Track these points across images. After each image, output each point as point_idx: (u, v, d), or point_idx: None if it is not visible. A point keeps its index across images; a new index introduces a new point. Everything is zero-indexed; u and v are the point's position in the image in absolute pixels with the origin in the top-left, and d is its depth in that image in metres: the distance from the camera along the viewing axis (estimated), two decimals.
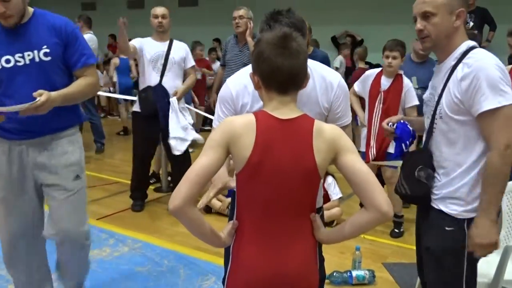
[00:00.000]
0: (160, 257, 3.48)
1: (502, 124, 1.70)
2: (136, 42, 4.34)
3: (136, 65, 6.02)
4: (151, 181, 5.02)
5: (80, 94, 2.36)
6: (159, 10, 4.36)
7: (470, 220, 1.82)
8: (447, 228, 1.85)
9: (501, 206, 2.58)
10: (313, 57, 2.01)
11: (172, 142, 4.31)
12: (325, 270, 2.29)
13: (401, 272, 3.30)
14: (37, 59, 2.24)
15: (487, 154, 1.76)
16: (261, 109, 1.53)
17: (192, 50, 6.86)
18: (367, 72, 4.04)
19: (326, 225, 2.32)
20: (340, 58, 7.90)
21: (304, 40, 1.80)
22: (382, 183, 3.79)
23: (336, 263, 3.29)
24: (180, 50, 4.46)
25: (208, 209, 4.43)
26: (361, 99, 4.04)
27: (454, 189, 1.84)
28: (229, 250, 1.59)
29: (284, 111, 1.48)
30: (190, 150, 4.65)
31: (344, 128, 1.97)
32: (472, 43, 1.86)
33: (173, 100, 4.37)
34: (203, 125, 8.19)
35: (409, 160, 2.02)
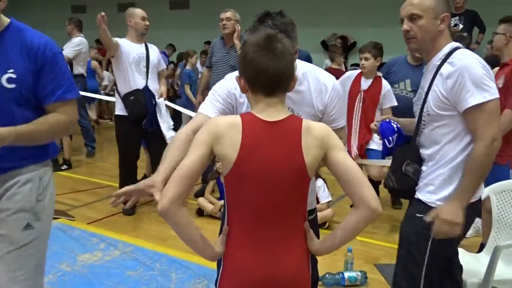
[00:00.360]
0: (151, 260, 3.46)
1: (488, 118, 1.79)
2: (120, 42, 4.32)
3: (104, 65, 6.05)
4: None
5: (42, 135, 1.85)
6: (144, 12, 4.38)
7: None
8: (417, 215, 1.95)
9: (491, 206, 2.62)
10: (298, 57, 2.00)
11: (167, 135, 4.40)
12: (318, 273, 2.29)
13: (393, 273, 3.30)
14: None
15: (473, 145, 1.84)
16: (248, 111, 1.52)
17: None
18: (347, 73, 4.25)
19: (318, 226, 2.33)
20: (327, 61, 7.95)
21: (293, 42, 1.79)
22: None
23: (328, 264, 3.29)
24: (155, 52, 4.53)
25: (200, 212, 4.42)
26: None
27: (432, 178, 1.94)
28: None
29: (271, 113, 1.48)
30: None
31: (338, 130, 1.98)
32: (456, 44, 1.95)
33: (160, 101, 4.40)
34: None
35: (398, 155, 2.10)
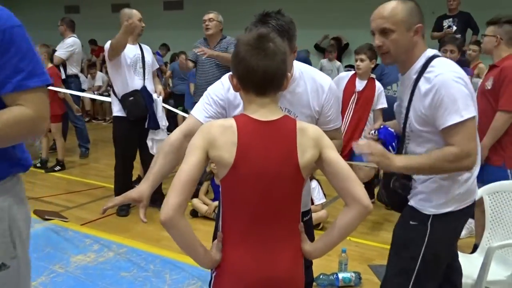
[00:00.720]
0: (145, 261, 3.45)
1: (466, 137, 1.75)
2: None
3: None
4: (136, 186, 4.97)
5: None
6: (140, 14, 4.38)
7: (435, 217, 1.89)
8: (411, 222, 1.93)
9: (484, 207, 2.62)
10: (296, 59, 2.00)
11: (149, 142, 4.43)
12: (313, 273, 2.29)
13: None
14: None
15: (452, 147, 1.77)
16: (241, 113, 1.52)
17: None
18: (340, 74, 4.31)
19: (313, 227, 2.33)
20: (323, 61, 7.99)
21: (294, 41, 1.83)
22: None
23: (322, 265, 3.29)
24: (149, 53, 4.55)
25: (194, 213, 4.41)
26: None
27: (423, 187, 1.91)
28: None
29: (265, 113, 1.48)
30: None
31: (335, 131, 2.00)
32: (430, 53, 1.88)
33: (159, 100, 4.43)
34: None
35: (386, 171, 2.07)
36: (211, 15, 4.62)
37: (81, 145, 6.80)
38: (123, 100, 4.33)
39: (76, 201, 4.90)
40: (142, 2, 10.11)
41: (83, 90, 8.82)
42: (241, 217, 1.49)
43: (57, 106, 5.85)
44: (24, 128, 1.42)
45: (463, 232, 3.37)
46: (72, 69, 6.46)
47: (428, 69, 1.81)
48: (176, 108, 6.59)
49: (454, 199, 1.89)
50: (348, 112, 4.01)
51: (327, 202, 4.37)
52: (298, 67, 1.93)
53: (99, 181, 5.55)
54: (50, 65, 5.83)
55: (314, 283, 3.02)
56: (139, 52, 4.40)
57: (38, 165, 6.11)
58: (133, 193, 1.75)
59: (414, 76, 1.85)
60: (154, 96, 4.47)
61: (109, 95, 9.65)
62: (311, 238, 2.06)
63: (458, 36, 6.56)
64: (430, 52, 1.88)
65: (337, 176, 1.49)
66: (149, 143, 4.44)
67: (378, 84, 4.08)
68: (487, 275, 2.30)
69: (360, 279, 3.20)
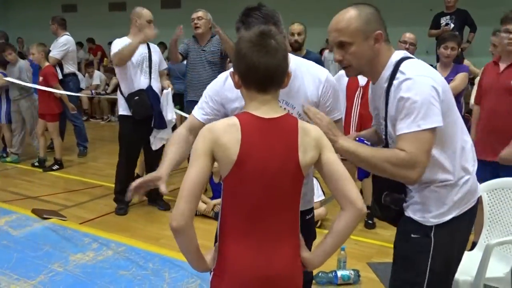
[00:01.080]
0: (144, 260, 3.45)
1: (418, 147, 1.62)
2: (119, 46, 4.26)
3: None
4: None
5: None
6: (152, 16, 4.37)
7: (437, 227, 1.77)
8: (413, 236, 1.81)
9: (482, 204, 2.62)
10: (307, 59, 2.04)
11: (151, 138, 4.44)
12: (312, 271, 2.29)
13: (386, 271, 3.29)
14: None
15: (401, 152, 1.64)
16: (243, 111, 1.52)
17: None
18: (340, 72, 4.23)
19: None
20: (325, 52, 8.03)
21: (281, 26, 1.88)
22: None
23: None
24: (157, 52, 4.53)
25: None
26: None
27: (420, 197, 1.79)
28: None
29: (266, 110, 1.48)
30: None
31: (336, 122, 1.99)
32: (398, 56, 1.75)
33: (167, 92, 4.44)
34: None
35: (376, 185, 1.98)
36: (199, 13, 4.61)
37: (79, 144, 6.78)
38: (129, 99, 4.31)
39: (74, 200, 4.90)
40: (139, 1, 10.11)
41: (81, 89, 8.81)
42: (240, 214, 1.49)
43: (54, 105, 5.84)
44: None
45: None
46: (69, 68, 6.43)
47: (397, 74, 1.68)
48: (174, 107, 6.56)
49: (454, 205, 1.77)
50: (355, 108, 3.97)
51: (326, 200, 4.37)
52: (293, 60, 1.92)
53: (97, 180, 5.55)
54: (46, 63, 5.81)
55: (313, 281, 3.02)
56: (146, 51, 4.38)
57: (36, 164, 6.10)
58: (153, 173, 1.80)
59: (385, 85, 1.73)
60: (164, 90, 4.46)
61: (106, 94, 9.71)
62: (313, 236, 2.05)
63: (456, 33, 6.57)
64: (397, 55, 1.75)
65: (332, 177, 1.50)
66: (151, 139, 4.45)
67: None
68: (485, 272, 2.31)
69: (359, 276, 3.21)
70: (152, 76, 4.38)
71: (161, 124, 4.43)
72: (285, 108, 1.83)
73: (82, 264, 3.36)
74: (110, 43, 4.24)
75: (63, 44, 6.27)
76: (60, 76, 6.17)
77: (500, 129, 3.16)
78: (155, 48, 4.53)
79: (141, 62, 4.32)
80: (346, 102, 3.98)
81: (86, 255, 3.51)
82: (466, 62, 5.43)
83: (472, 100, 4.25)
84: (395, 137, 1.69)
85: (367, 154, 1.68)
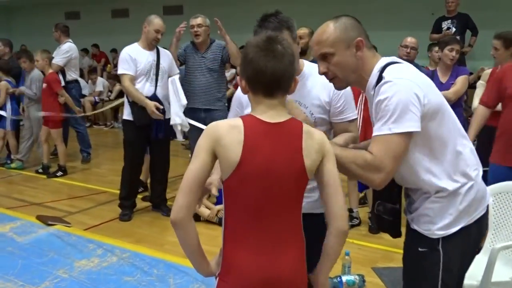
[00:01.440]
0: (149, 266, 3.45)
1: (386, 151, 1.58)
2: (129, 58, 4.27)
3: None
4: (139, 190, 5.00)
5: None
6: (162, 26, 4.36)
7: (445, 239, 1.71)
8: (420, 249, 1.76)
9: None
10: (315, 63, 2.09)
11: (175, 128, 4.42)
12: None
13: (391, 276, 3.31)
14: None
15: (369, 154, 1.61)
16: (249, 114, 1.54)
17: None
18: None
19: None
20: None
21: (295, 32, 1.96)
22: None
23: None
24: (167, 57, 4.49)
25: (197, 217, 4.41)
26: None
27: (424, 208, 1.73)
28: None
29: (272, 114, 1.50)
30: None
31: (348, 123, 2.05)
32: (383, 62, 1.72)
33: (172, 79, 4.41)
34: None
35: (374, 195, 1.97)
36: (199, 20, 4.52)
37: (83, 150, 6.80)
38: (132, 105, 4.32)
39: (78, 206, 4.90)
40: (142, 8, 10.15)
41: (83, 96, 8.84)
42: (244, 216, 1.50)
43: (57, 111, 5.86)
44: None
45: None
46: (72, 75, 6.46)
47: (382, 81, 1.64)
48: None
49: (460, 215, 1.70)
50: (358, 112, 3.92)
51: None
52: (307, 63, 2.05)
53: (101, 186, 5.56)
54: (50, 70, 5.84)
55: None
56: (155, 58, 4.36)
57: (40, 170, 6.12)
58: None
59: (372, 92, 1.70)
60: (169, 78, 4.43)
61: (109, 101, 9.74)
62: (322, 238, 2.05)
63: (457, 37, 6.58)
64: (382, 62, 1.72)
65: (322, 188, 1.53)
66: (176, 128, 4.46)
67: None
68: (491, 276, 2.30)
69: (364, 281, 3.20)
70: (158, 84, 4.35)
71: (157, 134, 4.37)
72: None
73: (87, 270, 3.37)
74: (113, 50, 4.26)
75: (66, 51, 6.30)
76: (63, 83, 6.19)
77: None
78: (165, 54, 4.49)
79: (148, 70, 4.32)
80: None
81: (90, 261, 3.52)
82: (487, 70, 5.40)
83: (474, 104, 4.25)
84: (372, 137, 1.66)
85: (337, 153, 1.62)
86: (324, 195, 1.54)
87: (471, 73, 5.87)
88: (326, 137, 1.58)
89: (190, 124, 4.51)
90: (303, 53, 4.40)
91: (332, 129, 2.09)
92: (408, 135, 1.59)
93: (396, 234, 1.91)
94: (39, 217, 4.35)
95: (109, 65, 11.30)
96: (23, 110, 6.32)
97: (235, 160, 1.44)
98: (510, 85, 3.28)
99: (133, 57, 4.27)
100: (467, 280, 2.25)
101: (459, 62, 4.51)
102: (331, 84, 1.85)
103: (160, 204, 4.64)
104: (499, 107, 3.44)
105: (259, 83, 1.49)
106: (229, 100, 4.61)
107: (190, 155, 5.10)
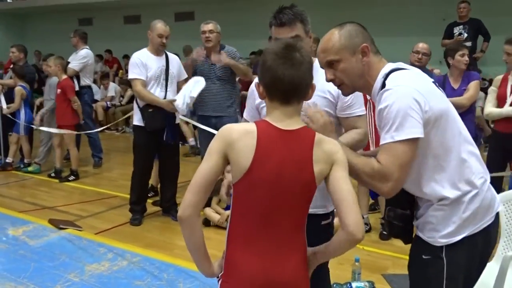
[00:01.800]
0: (159, 270, 3.47)
1: (391, 159, 1.58)
2: (140, 63, 4.31)
3: None
4: (149, 195, 5.03)
5: None
6: (165, 30, 4.38)
7: (448, 247, 1.69)
8: (424, 257, 1.75)
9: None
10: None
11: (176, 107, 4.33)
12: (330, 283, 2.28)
13: (401, 283, 3.28)
14: None
15: (376, 162, 1.61)
16: (263, 119, 1.55)
17: None
18: None
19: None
20: None
21: (309, 25, 2.03)
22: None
23: (335, 275, 3.27)
24: (175, 63, 4.55)
25: (207, 222, 4.42)
26: None
27: (429, 215, 1.72)
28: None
29: (286, 122, 1.50)
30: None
31: (356, 118, 2.06)
32: (388, 68, 1.72)
33: (201, 79, 4.43)
34: None
35: (386, 201, 1.94)
36: (210, 26, 4.51)
37: (94, 155, 6.86)
38: (143, 111, 4.36)
39: (90, 210, 4.94)
40: (153, 14, 10.22)
41: (96, 101, 8.93)
42: (249, 221, 1.51)
43: (70, 117, 5.92)
44: None
45: None
46: (86, 80, 6.54)
47: (384, 89, 1.64)
48: None
49: (464, 223, 1.67)
50: (369, 121, 3.87)
51: None
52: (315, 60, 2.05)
53: (112, 190, 5.60)
54: (64, 76, 5.91)
55: None
56: (164, 63, 4.41)
57: (53, 175, 6.18)
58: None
59: (377, 98, 1.71)
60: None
61: (121, 105, 9.82)
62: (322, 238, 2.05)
63: (469, 43, 6.55)
64: (387, 68, 1.73)
65: (334, 196, 1.52)
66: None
67: None
68: (503, 284, 2.28)
69: None
70: (168, 89, 4.40)
71: (173, 137, 4.44)
72: None
73: (97, 274, 3.39)
74: (125, 56, 4.30)
75: (83, 57, 6.39)
76: (77, 88, 6.27)
77: None
78: (174, 59, 4.54)
79: (158, 75, 4.36)
80: None
81: (101, 265, 3.54)
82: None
83: (486, 110, 4.22)
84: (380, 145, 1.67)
85: (352, 161, 1.63)
86: (335, 202, 1.52)
87: (483, 79, 5.83)
88: (339, 145, 1.56)
89: (200, 129, 4.53)
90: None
91: (340, 124, 2.11)
92: (412, 141, 1.58)
93: (408, 240, 1.89)
94: (51, 221, 4.39)
95: (121, 71, 11.41)
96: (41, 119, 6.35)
97: (245, 165, 1.45)
98: None
99: (144, 62, 4.32)
100: None
101: (472, 67, 4.50)
102: None
103: (170, 209, 4.66)
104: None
105: (276, 90, 1.50)
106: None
107: (200, 160, 5.15)
